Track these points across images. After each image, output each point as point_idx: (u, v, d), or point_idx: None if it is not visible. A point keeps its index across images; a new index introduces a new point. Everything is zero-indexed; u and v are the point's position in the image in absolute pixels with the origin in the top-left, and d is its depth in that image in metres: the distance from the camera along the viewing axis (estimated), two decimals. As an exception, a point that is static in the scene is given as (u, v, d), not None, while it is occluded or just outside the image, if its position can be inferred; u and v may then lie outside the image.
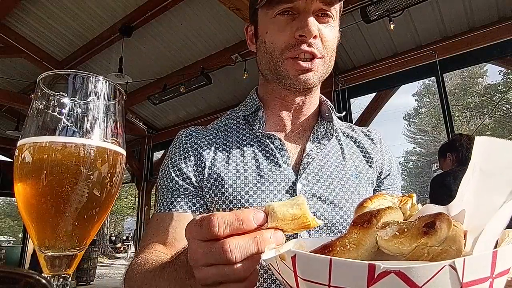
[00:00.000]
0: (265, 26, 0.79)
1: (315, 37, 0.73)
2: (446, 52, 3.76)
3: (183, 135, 0.86)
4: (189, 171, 0.80)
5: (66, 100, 0.36)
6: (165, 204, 0.80)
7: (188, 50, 4.82)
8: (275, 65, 0.77)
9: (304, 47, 0.73)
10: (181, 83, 4.85)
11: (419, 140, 32.02)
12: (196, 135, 0.86)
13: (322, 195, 0.77)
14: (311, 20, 0.72)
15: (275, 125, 0.86)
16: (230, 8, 3.45)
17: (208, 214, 0.38)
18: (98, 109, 0.37)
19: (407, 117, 32.93)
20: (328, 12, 0.76)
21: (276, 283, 0.71)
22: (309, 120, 0.88)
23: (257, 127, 0.83)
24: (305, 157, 0.81)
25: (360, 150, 0.90)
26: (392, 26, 3.35)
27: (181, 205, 0.78)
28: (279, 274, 0.32)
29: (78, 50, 5.14)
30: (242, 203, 0.74)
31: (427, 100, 29.82)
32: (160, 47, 4.83)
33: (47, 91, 0.36)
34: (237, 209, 0.74)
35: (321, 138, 0.85)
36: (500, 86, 22.08)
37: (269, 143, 0.81)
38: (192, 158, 0.81)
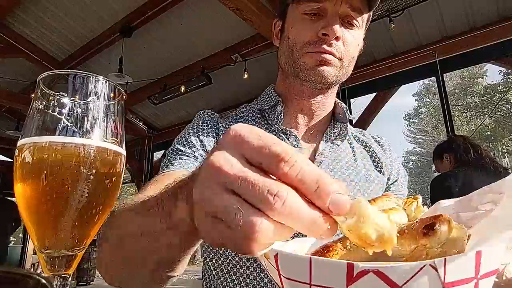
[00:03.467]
0: (292, 22, 0.80)
1: (337, 38, 0.74)
2: (446, 52, 3.76)
3: (205, 114, 0.87)
4: (210, 145, 0.79)
5: (66, 100, 0.36)
6: (176, 165, 0.73)
7: (188, 50, 4.81)
8: (294, 59, 0.78)
9: (325, 46, 0.74)
10: (181, 83, 4.85)
11: (419, 140, 32.03)
12: (216, 119, 0.87)
13: None
14: (336, 22, 0.73)
15: (290, 123, 0.86)
16: (230, 8, 3.45)
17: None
18: (98, 109, 0.37)
19: (407, 117, 32.96)
20: (354, 21, 0.77)
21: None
22: (323, 121, 0.88)
23: (274, 122, 0.83)
24: (317, 155, 0.81)
25: (370, 155, 0.90)
26: (392, 26, 3.35)
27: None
28: (268, 271, 0.32)
29: (78, 50, 5.13)
30: None
31: (427, 100, 29.84)
32: (160, 47, 4.83)
33: (47, 91, 0.36)
34: None
35: (334, 139, 0.86)
36: (500, 86, 22.09)
37: (285, 138, 0.82)
38: (215, 136, 0.82)
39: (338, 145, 0.85)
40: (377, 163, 0.89)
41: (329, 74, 0.77)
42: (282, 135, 0.82)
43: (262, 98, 0.91)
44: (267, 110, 0.86)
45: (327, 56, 0.75)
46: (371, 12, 0.79)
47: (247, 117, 0.88)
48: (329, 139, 0.85)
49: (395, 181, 0.90)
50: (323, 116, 0.87)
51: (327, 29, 0.72)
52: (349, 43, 0.77)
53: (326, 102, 0.86)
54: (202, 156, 0.77)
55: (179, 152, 0.78)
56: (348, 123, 0.87)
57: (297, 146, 0.81)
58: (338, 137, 0.86)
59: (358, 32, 0.79)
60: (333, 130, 0.87)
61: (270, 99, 0.87)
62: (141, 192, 0.66)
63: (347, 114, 0.87)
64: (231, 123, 0.86)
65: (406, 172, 0.97)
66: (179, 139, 0.81)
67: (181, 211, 0.37)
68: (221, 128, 0.84)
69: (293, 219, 0.25)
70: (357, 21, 0.77)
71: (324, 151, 0.82)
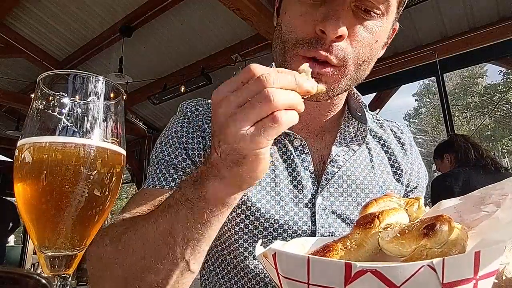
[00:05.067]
0: (287, 5, 0.62)
1: (339, 37, 0.55)
2: (446, 52, 3.76)
3: (188, 110, 0.74)
4: (195, 154, 0.69)
5: (66, 100, 0.36)
6: (162, 179, 0.66)
7: (188, 50, 4.81)
8: (284, 60, 0.62)
9: (321, 50, 0.55)
10: (181, 83, 4.85)
11: (419, 140, 32.01)
12: (203, 112, 0.74)
13: (343, 212, 0.67)
14: (341, 13, 0.54)
15: None
16: (230, 8, 3.44)
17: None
18: (98, 109, 0.37)
19: (407, 117, 32.96)
20: (374, 9, 0.56)
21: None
22: (335, 117, 0.74)
23: None
24: (329, 163, 0.69)
25: (388, 158, 0.77)
26: (392, 26, 3.35)
27: None
28: (267, 271, 0.32)
29: (78, 50, 5.13)
30: (253, 212, 0.65)
31: (427, 100, 29.84)
32: (160, 47, 4.83)
33: (47, 91, 0.36)
34: (245, 217, 0.66)
35: (349, 141, 0.72)
36: (500, 86, 22.09)
37: (288, 143, 0.69)
38: (200, 140, 0.70)
39: (355, 151, 0.71)
40: (395, 169, 0.76)
41: (322, 93, 0.58)
42: (285, 137, 0.70)
43: None
44: None
45: (321, 70, 0.57)
46: None
47: None
48: (344, 141, 0.72)
49: (415, 188, 0.80)
50: (332, 115, 0.73)
51: (325, 24, 0.53)
52: (359, 41, 0.57)
53: (333, 102, 0.71)
54: (189, 167, 0.67)
55: (166, 164, 0.68)
56: (367, 123, 0.72)
57: (303, 152, 0.69)
58: (354, 139, 0.72)
59: (379, 22, 0.57)
60: (349, 129, 0.73)
61: None
62: (132, 201, 0.64)
63: (366, 112, 0.71)
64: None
65: (426, 171, 0.84)
66: (165, 148, 0.70)
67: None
68: (209, 125, 0.71)
69: (285, 82, 0.36)
70: (379, 8, 0.56)
71: (337, 159, 0.69)
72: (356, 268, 0.24)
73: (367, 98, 4.74)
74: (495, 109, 22.18)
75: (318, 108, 0.71)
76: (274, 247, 0.31)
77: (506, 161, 21.26)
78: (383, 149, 0.77)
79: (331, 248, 0.33)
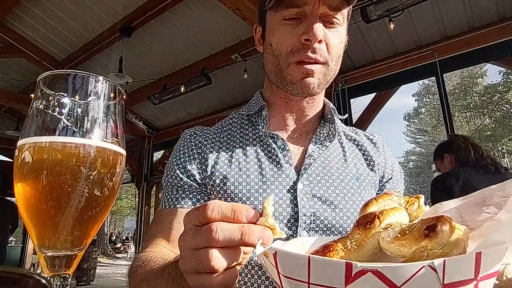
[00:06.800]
0: (272, 29, 0.79)
1: (320, 41, 0.73)
2: (446, 52, 3.76)
3: (187, 134, 0.87)
4: (193, 168, 0.80)
5: (66, 100, 0.36)
6: (169, 200, 0.81)
7: (188, 50, 4.82)
8: (280, 69, 0.77)
9: (309, 53, 0.73)
10: (181, 83, 4.85)
11: (419, 140, 32.06)
12: (200, 133, 0.87)
13: (322, 195, 0.77)
14: (317, 24, 0.71)
15: (278, 126, 0.87)
16: (230, 8, 3.45)
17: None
18: (98, 109, 0.37)
19: (407, 117, 33.01)
20: (334, 19, 0.75)
21: (270, 279, 0.72)
22: (312, 122, 0.88)
23: (260, 127, 0.84)
24: (306, 157, 0.81)
25: (362, 153, 0.89)
26: (392, 26, 3.35)
27: (186, 201, 0.79)
28: (267, 270, 0.32)
29: (78, 50, 5.14)
30: (244, 201, 0.75)
31: (427, 100, 29.86)
32: (160, 47, 4.83)
33: (47, 91, 0.36)
34: None
35: (323, 140, 0.85)
36: (500, 86, 22.08)
37: (272, 142, 0.82)
38: (196, 156, 0.82)
39: (327, 146, 0.84)
40: (369, 161, 0.88)
41: (315, 85, 0.76)
42: (269, 139, 0.82)
43: (250, 104, 0.92)
44: (253, 115, 0.87)
45: (312, 67, 0.74)
46: (351, 6, 0.77)
47: (235, 124, 0.89)
48: (318, 140, 0.85)
49: (390, 179, 0.90)
50: (312, 116, 0.87)
51: (309, 34, 0.71)
52: (332, 44, 0.75)
53: (314, 103, 0.86)
54: (187, 184, 0.80)
55: (171, 186, 0.82)
56: (336, 124, 0.87)
57: (285, 149, 0.81)
58: (327, 138, 0.85)
59: (340, 29, 0.77)
60: (322, 131, 0.86)
61: (257, 104, 0.88)
62: (153, 224, 0.82)
63: (335, 115, 0.87)
64: (221, 132, 0.87)
65: (401, 168, 0.96)
66: (168, 173, 0.84)
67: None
68: (205, 142, 0.84)
69: (229, 236, 0.36)
70: (338, 18, 0.75)
71: (313, 153, 0.82)
72: (356, 268, 0.24)
73: (367, 98, 4.75)
74: (495, 109, 22.17)
75: (303, 107, 0.85)
76: (275, 246, 0.31)
77: (506, 161, 21.27)
78: (357, 147, 0.91)
79: (331, 248, 0.33)
